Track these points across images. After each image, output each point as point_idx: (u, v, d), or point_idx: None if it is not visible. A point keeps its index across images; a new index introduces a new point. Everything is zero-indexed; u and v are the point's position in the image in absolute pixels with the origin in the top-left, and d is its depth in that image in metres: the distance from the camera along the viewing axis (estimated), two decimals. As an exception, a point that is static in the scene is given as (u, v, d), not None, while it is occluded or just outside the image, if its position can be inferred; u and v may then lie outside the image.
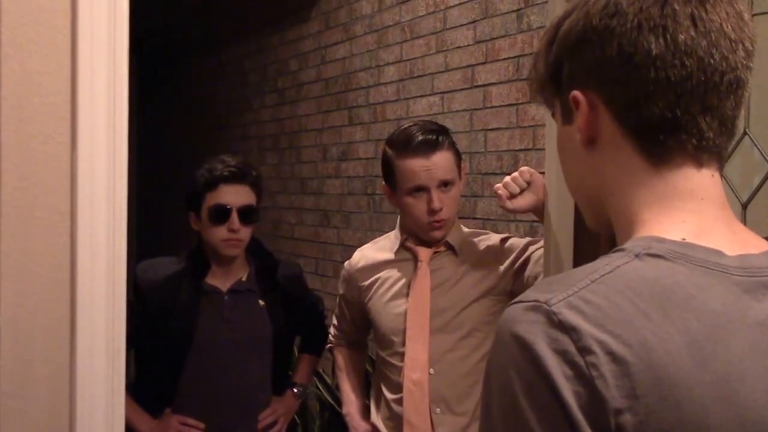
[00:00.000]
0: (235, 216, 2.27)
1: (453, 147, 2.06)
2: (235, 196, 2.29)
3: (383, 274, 2.15)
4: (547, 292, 0.71)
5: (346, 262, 2.29)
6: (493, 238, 2.13)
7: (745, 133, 1.47)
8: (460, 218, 2.24)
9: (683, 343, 0.68)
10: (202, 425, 2.29)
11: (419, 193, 2.02)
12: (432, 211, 2.01)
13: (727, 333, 0.70)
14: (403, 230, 2.14)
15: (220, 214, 2.27)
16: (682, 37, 0.76)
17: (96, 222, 1.26)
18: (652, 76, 0.76)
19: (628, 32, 0.77)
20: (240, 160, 2.36)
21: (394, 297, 2.10)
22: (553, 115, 0.89)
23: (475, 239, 2.13)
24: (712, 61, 0.76)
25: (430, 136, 2.01)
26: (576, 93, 0.81)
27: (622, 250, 0.75)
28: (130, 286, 1.37)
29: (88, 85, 1.24)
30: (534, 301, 0.71)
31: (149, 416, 2.29)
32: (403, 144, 2.03)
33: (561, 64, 0.84)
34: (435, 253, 2.09)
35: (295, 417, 2.67)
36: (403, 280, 2.10)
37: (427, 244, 2.09)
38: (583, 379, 0.67)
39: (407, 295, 2.07)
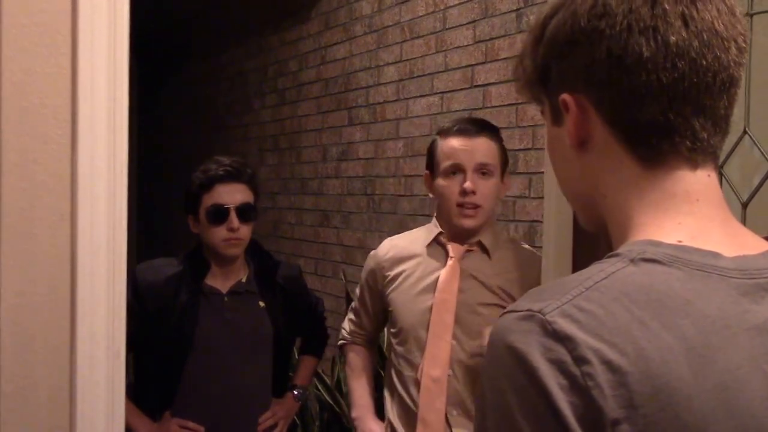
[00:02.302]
0: (233, 215, 2.26)
1: (500, 142, 2.08)
2: (231, 195, 2.28)
3: (411, 266, 2.10)
4: (541, 301, 0.69)
5: (373, 251, 2.23)
6: (528, 251, 2.13)
7: (745, 132, 1.47)
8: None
9: (680, 350, 0.67)
10: (201, 428, 2.27)
11: (455, 175, 2.01)
12: (464, 192, 1.98)
13: (725, 339, 0.69)
14: (438, 224, 2.10)
15: (218, 214, 2.26)
16: (673, 38, 0.73)
17: (96, 222, 1.26)
18: (644, 79, 0.74)
19: (617, 34, 0.74)
20: (234, 159, 2.35)
21: (421, 291, 2.05)
22: (542, 113, 0.87)
23: (514, 247, 2.12)
24: (704, 62, 0.74)
25: (477, 124, 2.08)
26: (565, 96, 0.79)
27: (617, 255, 0.73)
28: (129, 288, 1.37)
29: (89, 86, 1.24)
30: (527, 310, 0.69)
31: (149, 419, 2.28)
32: (450, 126, 2.08)
33: (549, 66, 0.82)
34: (467, 251, 2.05)
35: (295, 418, 2.66)
36: (432, 275, 2.05)
37: (460, 240, 2.06)
38: (579, 389, 0.65)
39: (434, 290, 2.03)
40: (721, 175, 1.31)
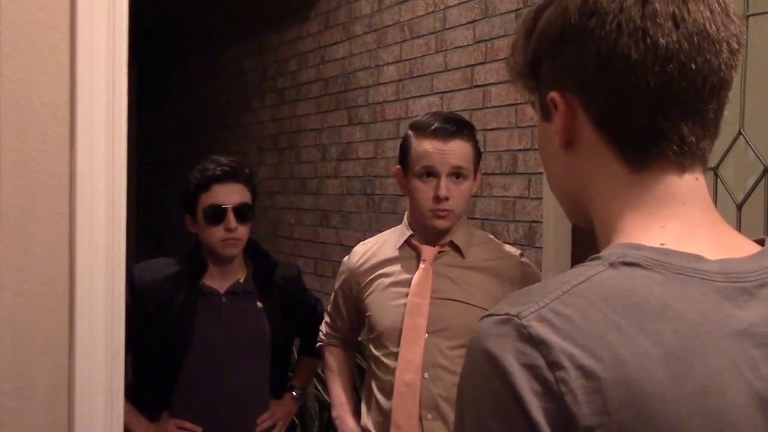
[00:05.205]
0: (230, 215, 2.26)
1: (473, 142, 2.04)
2: (229, 195, 2.28)
3: (385, 270, 2.10)
4: (519, 304, 0.69)
5: (346, 257, 2.24)
6: (513, 257, 2.08)
7: (739, 133, 1.47)
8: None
9: (658, 356, 0.66)
10: (199, 429, 2.27)
11: (429, 178, 1.99)
12: (438, 198, 1.97)
13: (705, 344, 0.68)
14: (410, 225, 2.10)
15: (216, 214, 2.26)
16: (662, 41, 0.72)
17: (95, 222, 1.26)
18: (632, 81, 0.73)
19: (606, 35, 0.73)
20: (232, 159, 2.34)
21: (394, 296, 2.05)
22: (533, 105, 0.87)
23: (493, 249, 2.09)
24: (693, 66, 0.72)
25: (451, 125, 2.01)
26: (554, 95, 0.78)
27: (598, 258, 0.72)
28: (126, 287, 1.37)
29: (88, 85, 1.24)
30: (505, 314, 0.69)
31: (146, 420, 2.29)
32: (423, 125, 2.03)
33: (539, 61, 0.81)
34: (440, 252, 2.04)
35: (294, 418, 2.66)
36: (405, 279, 2.05)
37: (432, 242, 2.05)
38: (553, 395, 0.64)
39: (407, 294, 2.02)
40: (716, 177, 1.31)
